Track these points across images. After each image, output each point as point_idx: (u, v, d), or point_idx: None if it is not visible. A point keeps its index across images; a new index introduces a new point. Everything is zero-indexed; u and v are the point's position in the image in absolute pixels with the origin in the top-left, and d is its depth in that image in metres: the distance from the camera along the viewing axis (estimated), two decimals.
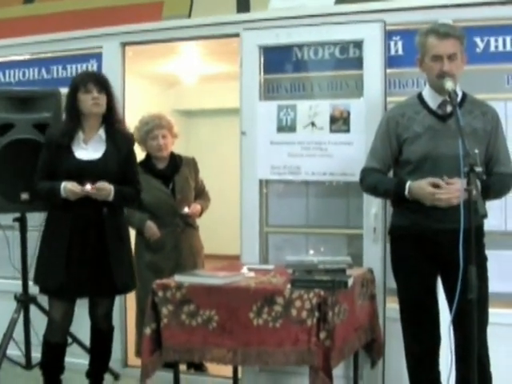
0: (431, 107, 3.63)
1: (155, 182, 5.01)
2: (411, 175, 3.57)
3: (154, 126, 5.00)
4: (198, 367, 5.09)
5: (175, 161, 5.14)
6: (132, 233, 4.87)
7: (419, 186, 3.47)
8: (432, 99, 3.64)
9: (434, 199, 3.41)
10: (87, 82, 4.18)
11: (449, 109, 3.56)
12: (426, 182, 3.45)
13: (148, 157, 5.13)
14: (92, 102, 4.17)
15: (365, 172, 3.81)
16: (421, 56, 3.62)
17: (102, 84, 4.22)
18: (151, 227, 4.93)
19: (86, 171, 4.13)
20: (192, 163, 5.23)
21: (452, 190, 3.36)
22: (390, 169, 3.80)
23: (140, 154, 5.06)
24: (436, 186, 3.42)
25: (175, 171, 5.10)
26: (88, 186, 4.07)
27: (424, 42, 3.57)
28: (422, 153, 3.57)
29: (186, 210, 4.98)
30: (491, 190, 3.45)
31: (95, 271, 4.15)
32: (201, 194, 5.26)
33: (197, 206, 5.09)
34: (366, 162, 3.83)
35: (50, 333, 4.30)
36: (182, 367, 4.72)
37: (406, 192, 3.52)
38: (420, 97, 3.71)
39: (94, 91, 4.17)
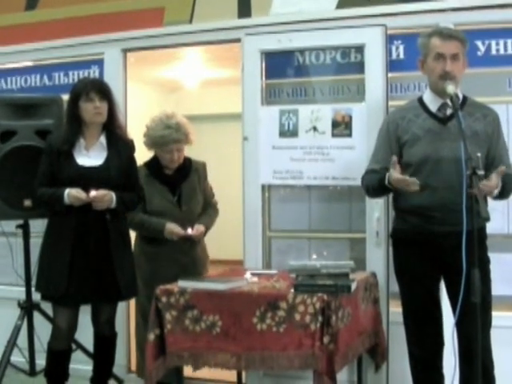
0: (431, 110, 3.64)
1: (161, 188, 4.60)
2: (412, 177, 3.56)
3: (170, 141, 4.52)
4: None
5: (184, 166, 4.69)
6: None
7: (391, 175, 3.47)
8: (432, 102, 3.65)
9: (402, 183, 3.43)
10: (89, 90, 4.15)
11: (449, 111, 3.57)
12: (393, 169, 3.46)
13: (156, 159, 4.67)
14: (94, 111, 4.15)
15: (364, 174, 3.83)
16: (423, 57, 3.63)
17: (104, 92, 4.19)
18: (172, 227, 4.47)
19: (87, 177, 4.11)
20: (201, 169, 4.77)
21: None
22: None
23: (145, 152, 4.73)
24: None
25: (183, 178, 4.65)
26: (93, 193, 4.06)
27: (427, 42, 3.58)
28: (421, 155, 3.57)
29: (190, 231, 4.47)
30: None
31: (98, 277, 4.14)
32: (208, 206, 4.76)
33: (200, 228, 4.53)
34: (368, 164, 3.85)
35: (55, 340, 4.27)
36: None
37: (386, 182, 3.51)
38: (420, 100, 3.72)
39: (96, 100, 4.14)
